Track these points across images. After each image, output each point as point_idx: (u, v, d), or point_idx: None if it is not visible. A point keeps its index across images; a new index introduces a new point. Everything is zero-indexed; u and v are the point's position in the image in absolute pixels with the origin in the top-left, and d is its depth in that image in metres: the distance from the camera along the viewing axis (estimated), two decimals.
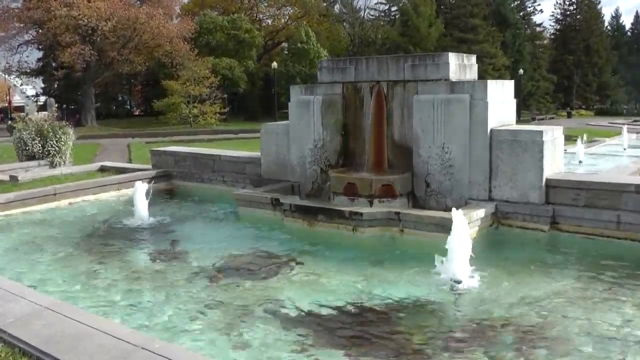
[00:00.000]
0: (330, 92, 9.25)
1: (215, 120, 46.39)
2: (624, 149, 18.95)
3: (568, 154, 15.38)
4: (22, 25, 44.87)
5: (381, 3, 69.51)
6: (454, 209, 6.24)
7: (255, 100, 56.19)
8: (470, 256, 6.01)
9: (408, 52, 47.06)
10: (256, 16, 62.59)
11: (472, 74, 8.87)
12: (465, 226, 6.10)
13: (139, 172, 11.93)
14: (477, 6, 58.37)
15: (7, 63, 47.61)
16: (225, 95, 48.74)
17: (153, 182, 10.23)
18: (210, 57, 48.02)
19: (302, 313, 5.26)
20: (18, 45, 47.36)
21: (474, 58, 9.10)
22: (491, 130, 7.81)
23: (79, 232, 8.41)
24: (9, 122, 41.50)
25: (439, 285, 5.82)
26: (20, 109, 52.07)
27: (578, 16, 70.05)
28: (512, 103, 8.61)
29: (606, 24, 76.05)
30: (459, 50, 34.49)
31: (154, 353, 3.61)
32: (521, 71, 54.60)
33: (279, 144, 10.08)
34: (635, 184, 7.13)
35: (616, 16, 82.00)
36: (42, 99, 58.44)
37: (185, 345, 4.51)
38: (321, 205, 8.23)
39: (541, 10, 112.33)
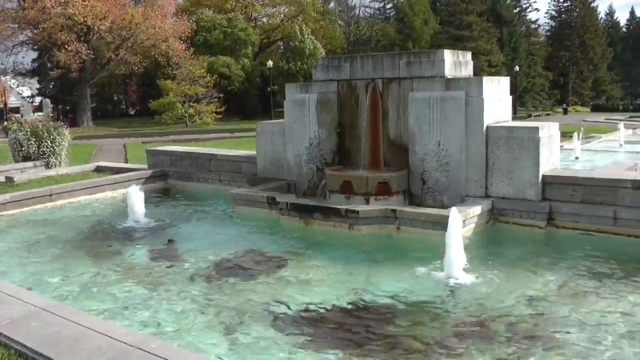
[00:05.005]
0: (326, 90, 9.23)
1: (212, 119, 46.37)
2: (621, 145, 18.97)
3: (564, 150, 15.41)
4: (16, 25, 44.77)
5: (376, 0, 69.60)
6: (452, 209, 6.23)
7: (252, 99, 56.17)
8: (467, 253, 6.01)
9: (403, 49, 47.03)
10: (251, 15, 62.54)
11: (467, 71, 8.85)
12: (460, 224, 6.09)
13: (135, 172, 11.91)
14: (472, 3, 58.48)
15: (2, 64, 47.56)
16: (222, 95, 48.72)
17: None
18: (207, 56, 48.02)
19: (299, 312, 5.25)
20: (13, 46, 47.27)
21: (469, 55, 9.09)
22: (487, 127, 7.81)
23: (75, 233, 8.38)
24: (5, 123, 41.48)
25: (436, 283, 5.82)
26: (15, 110, 51.97)
27: (573, 13, 70.20)
28: (508, 100, 8.61)
29: (601, 20, 76.29)
30: (455, 48, 34.53)
31: (150, 353, 3.60)
32: (517, 68, 54.67)
33: (275, 143, 10.07)
34: (632, 179, 7.14)
35: (610, 12, 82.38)
36: (38, 99, 58.33)
37: (181, 345, 4.50)
38: (317, 204, 8.23)
39: (537, 9, 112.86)
